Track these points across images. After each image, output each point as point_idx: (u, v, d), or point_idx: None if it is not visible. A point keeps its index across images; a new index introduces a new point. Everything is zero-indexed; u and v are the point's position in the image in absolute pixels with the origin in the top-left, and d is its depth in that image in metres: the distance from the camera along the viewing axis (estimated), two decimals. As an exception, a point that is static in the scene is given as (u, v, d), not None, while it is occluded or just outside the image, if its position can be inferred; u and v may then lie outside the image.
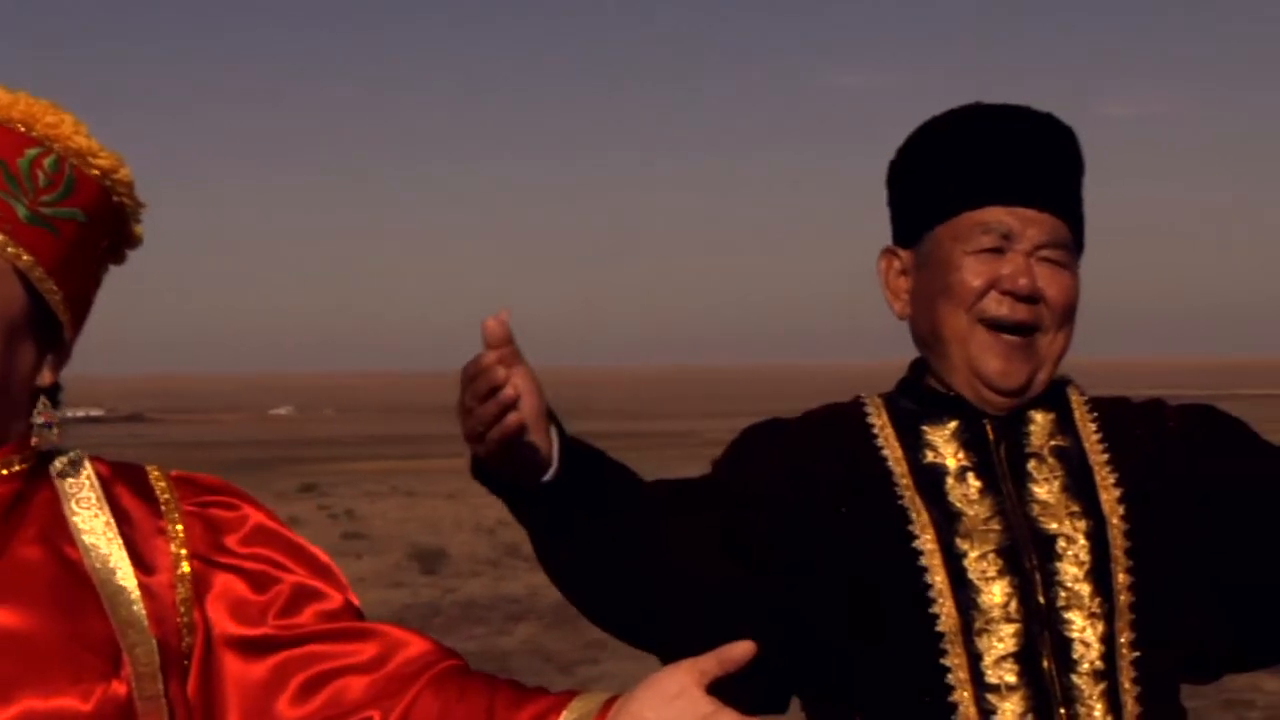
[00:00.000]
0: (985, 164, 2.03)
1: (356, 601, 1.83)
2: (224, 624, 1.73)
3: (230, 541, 1.77)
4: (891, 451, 2.05)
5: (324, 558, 1.85)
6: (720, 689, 1.75)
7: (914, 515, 1.99)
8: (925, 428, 2.06)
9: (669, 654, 2.02)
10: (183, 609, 1.72)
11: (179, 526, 1.75)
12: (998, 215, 2.01)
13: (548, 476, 1.87)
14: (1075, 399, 2.11)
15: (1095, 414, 2.10)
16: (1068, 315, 2.04)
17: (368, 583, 17.63)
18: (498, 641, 13.47)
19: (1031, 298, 2.00)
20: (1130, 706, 1.94)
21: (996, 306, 2.01)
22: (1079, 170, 2.09)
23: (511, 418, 1.78)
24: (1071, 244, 2.05)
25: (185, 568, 1.73)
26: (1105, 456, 2.04)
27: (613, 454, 2.05)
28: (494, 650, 12.98)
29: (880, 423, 2.08)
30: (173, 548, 1.74)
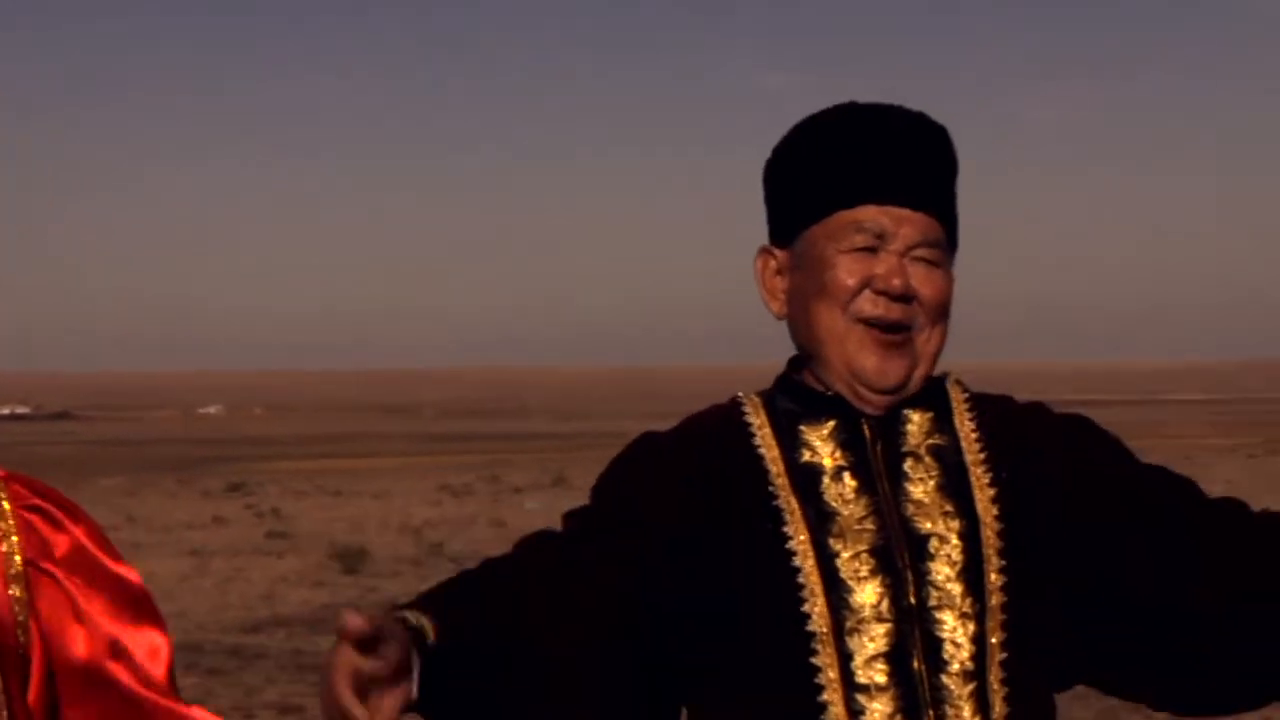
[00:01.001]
0: (858, 163, 2.03)
1: (162, 641, 1.80)
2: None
3: (56, 553, 1.74)
4: (768, 451, 2.04)
5: (137, 587, 1.81)
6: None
7: (788, 515, 1.98)
8: (803, 427, 2.05)
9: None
10: (17, 608, 1.69)
11: (11, 523, 1.73)
12: (871, 214, 2.01)
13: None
14: (956, 397, 2.11)
15: (974, 413, 2.09)
16: (941, 313, 2.04)
17: (289, 582, 17.53)
18: (418, 641, 13.41)
19: (904, 297, 2.00)
20: (999, 707, 1.94)
21: (871, 306, 2.01)
22: (952, 169, 2.10)
23: None
24: (945, 243, 2.05)
25: (18, 567, 1.71)
26: (982, 456, 2.04)
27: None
28: (414, 650, 12.93)
29: (758, 422, 2.07)
30: (4, 547, 1.71)
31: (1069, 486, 2.03)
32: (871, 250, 2.01)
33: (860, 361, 2.02)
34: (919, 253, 2.02)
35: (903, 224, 2.01)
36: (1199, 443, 52.78)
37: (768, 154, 2.16)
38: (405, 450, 57.70)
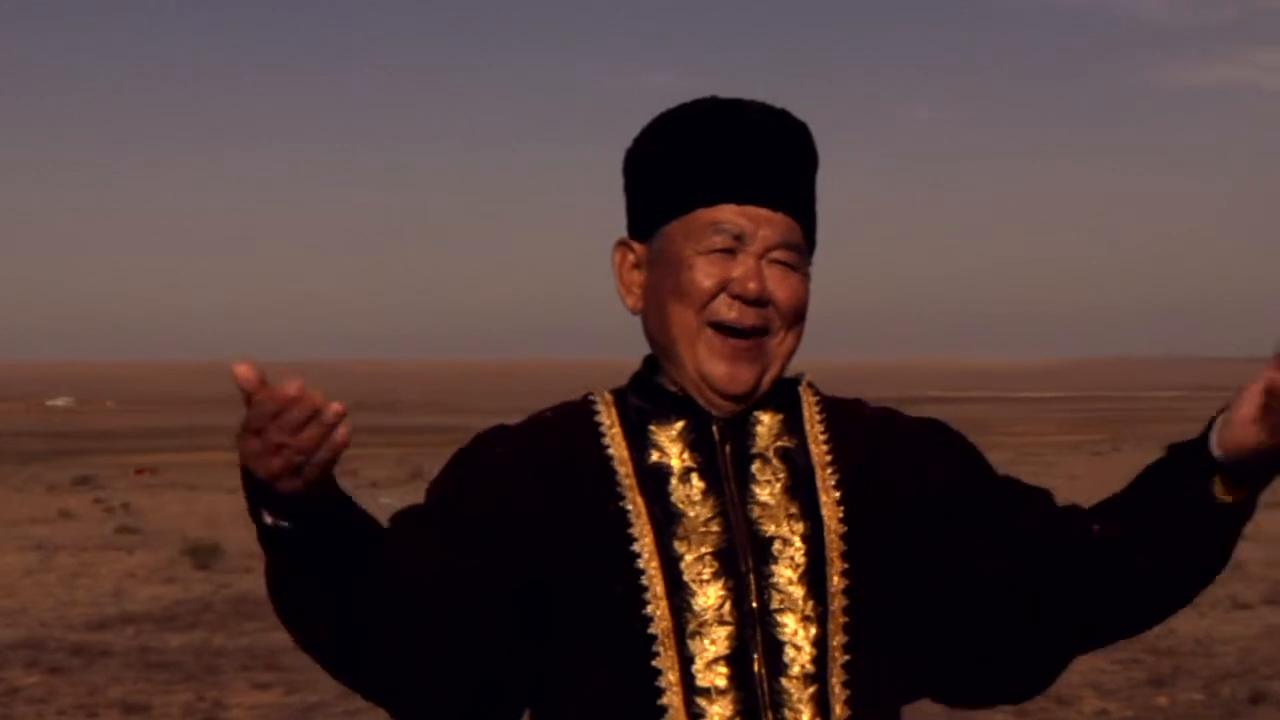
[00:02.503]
0: (719, 162, 2.01)
1: None
2: None
3: None
4: (617, 451, 2.03)
5: None
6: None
7: (633, 516, 1.97)
8: (653, 427, 2.04)
9: (401, 706, 1.99)
10: None
11: None
12: (730, 215, 2.00)
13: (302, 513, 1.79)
14: (807, 399, 2.11)
15: (824, 415, 2.09)
16: (797, 317, 2.04)
17: (139, 578, 17.20)
18: (270, 638, 13.17)
19: (760, 301, 2.00)
20: (839, 710, 1.94)
21: (726, 310, 2.00)
22: (813, 168, 2.09)
23: (341, 431, 1.71)
24: (804, 245, 2.05)
25: None
26: (829, 459, 2.05)
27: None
28: (266, 647, 12.72)
29: (608, 421, 2.06)
30: None
31: (916, 492, 2.04)
32: (729, 252, 2.00)
33: (710, 367, 2.01)
34: (777, 255, 2.01)
35: (762, 225, 2.00)
36: (1047, 439, 53.90)
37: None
38: (261, 444, 56.74)
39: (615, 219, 2.12)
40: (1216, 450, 1.93)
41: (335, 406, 1.70)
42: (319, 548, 1.83)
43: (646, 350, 2.11)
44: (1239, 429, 1.90)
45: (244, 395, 1.70)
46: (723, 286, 2.00)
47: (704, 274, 2.00)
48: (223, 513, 25.48)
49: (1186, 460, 1.98)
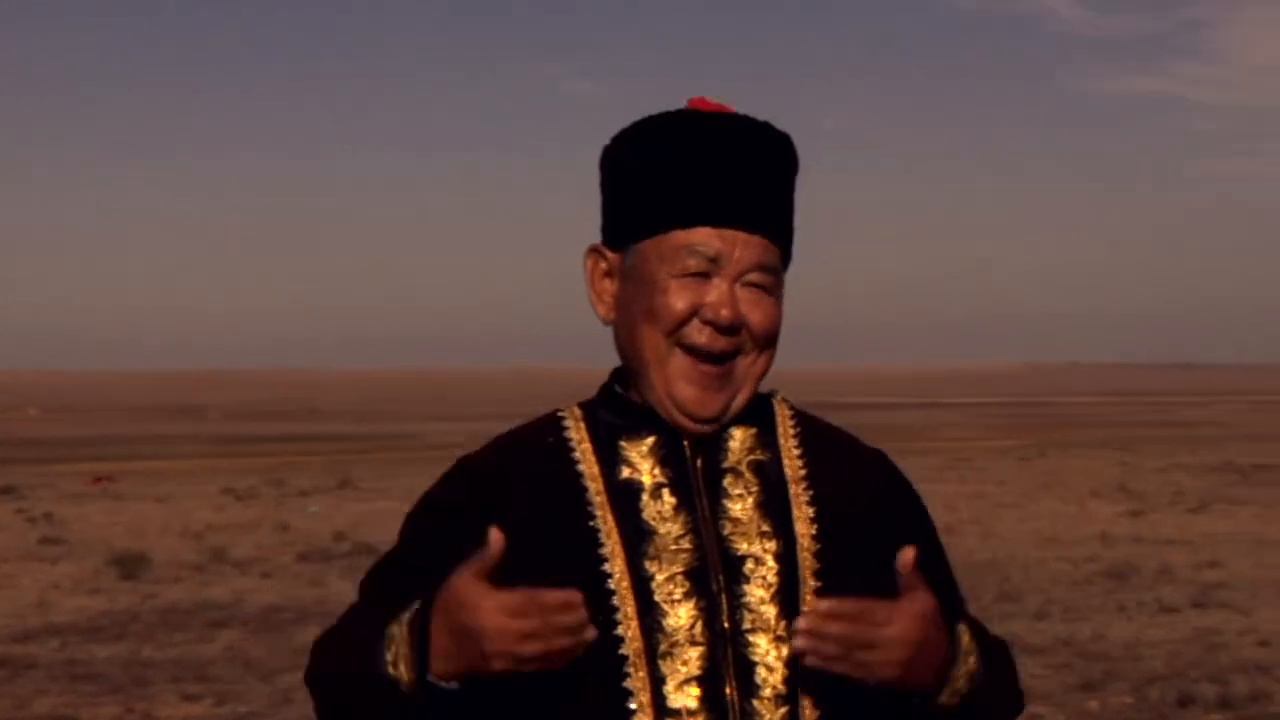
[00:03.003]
0: (697, 182, 1.97)
1: None
2: None
3: None
4: (588, 468, 2.01)
5: None
6: None
7: (604, 536, 1.96)
8: (623, 442, 2.02)
9: None
10: None
11: None
12: (706, 237, 1.96)
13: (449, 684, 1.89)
14: (782, 413, 2.09)
15: (798, 430, 2.08)
16: (770, 341, 2.01)
17: (63, 589, 16.96)
18: (199, 649, 13.07)
19: (733, 328, 1.97)
20: None
21: (698, 335, 1.97)
22: (792, 181, 2.06)
23: (591, 632, 1.83)
24: (779, 266, 2.02)
25: None
26: (803, 473, 2.03)
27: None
28: (195, 658, 12.60)
29: (578, 437, 2.04)
30: None
31: (880, 518, 2.03)
32: (704, 275, 1.97)
33: (680, 391, 1.99)
34: (752, 278, 1.98)
35: (738, 248, 1.97)
36: (974, 444, 54.31)
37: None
38: (188, 453, 56.39)
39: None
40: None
41: (581, 610, 1.81)
42: (462, 706, 1.90)
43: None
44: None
45: (485, 561, 1.83)
46: (695, 310, 1.97)
47: (677, 297, 1.97)
48: (149, 522, 25.22)
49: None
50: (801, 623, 1.84)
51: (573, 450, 2.02)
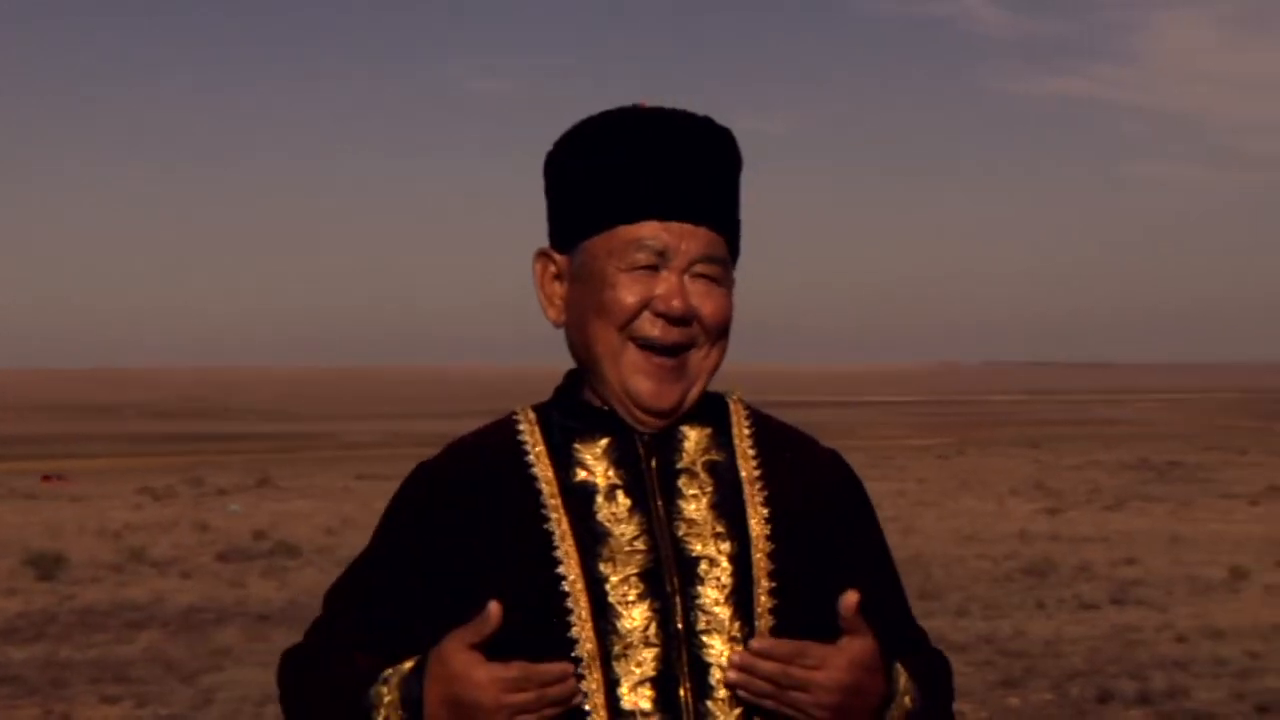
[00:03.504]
0: (640, 177, 1.98)
1: None
2: None
3: None
4: (543, 471, 2.00)
5: None
6: None
7: (558, 539, 1.96)
8: (577, 444, 2.02)
9: None
10: None
11: None
12: (653, 231, 1.97)
13: None
14: (737, 412, 2.09)
15: (754, 430, 2.08)
16: (721, 332, 2.02)
17: (-22, 590, 16.72)
18: (118, 650, 12.92)
19: (684, 319, 1.98)
20: None
21: (650, 327, 1.98)
22: (736, 175, 2.06)
23: (578, 698, 1.89)
24: (727, 258, 2.03)
25: None
26: (758, 473, 2.03)
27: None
28: (114, 659, 12.46)
29: (532, 441, 2.03)
30: None
31: (834, 520, 2.04)
32: (652, 268, 1.98)
33: (635, 384, 1.99)
34: (700, 269, 1.99)
35: (685, 240, 1.98)
36: (898, 443, 54.74)
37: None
38: (105, 452, 55.75)
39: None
40: None
41: (573, 681, 1.88)
42: None
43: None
44: None
45: (479, 630, 1.86)
46: (646, 304, 1.98)
47: (627, 291, 1.97)
48: (67, 522, 24.90)
49: None
50: (734, 658, 1.88)
51: (527, 454, 2.02)
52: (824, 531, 2.02)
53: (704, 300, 1.99)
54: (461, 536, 1.98)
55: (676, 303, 1.97)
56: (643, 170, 1.99)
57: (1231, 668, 11.54)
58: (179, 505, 28.42)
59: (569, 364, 2.09)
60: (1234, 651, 12.20)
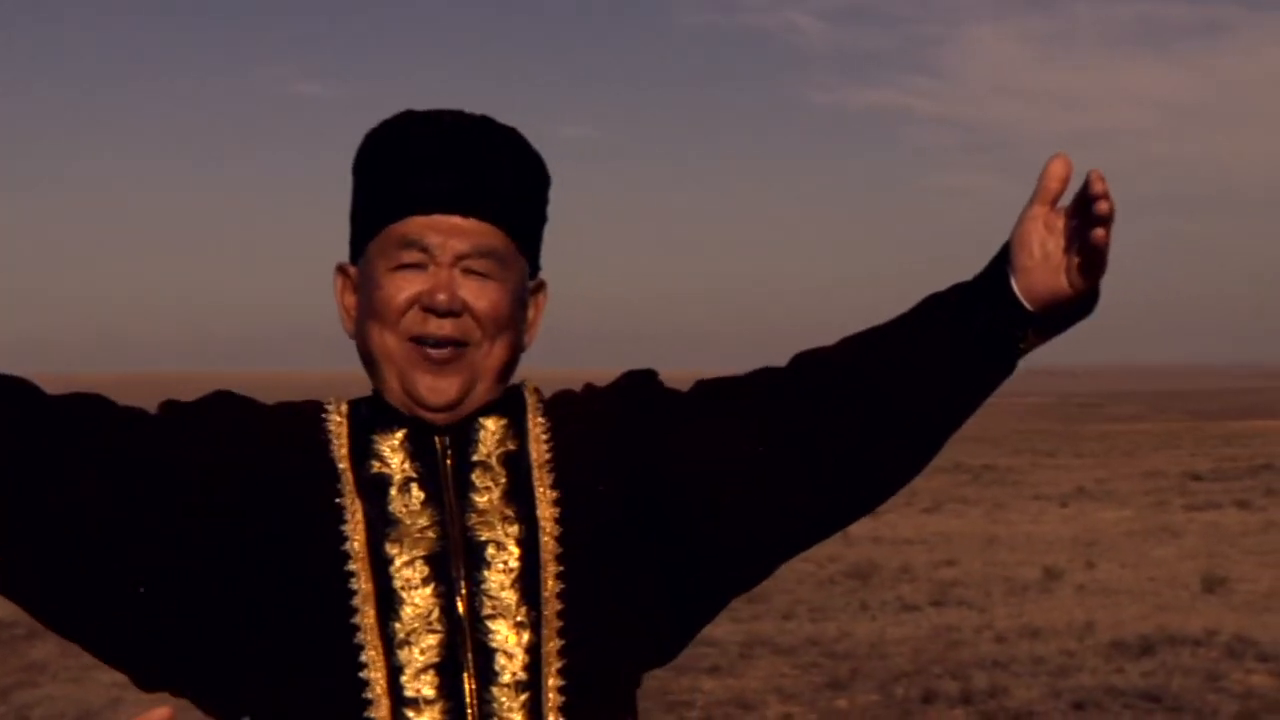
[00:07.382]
0: (402, 174, 1.97)
1: None
2: None
3: None
4: (340, 461, 1.98)
5: None
6: None
7: (348, 515, 1.93)
8: (376, 437, 2.00)
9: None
10: None
11: None
12: (417, 227, 1.95)
13: None
14: (530, 402, 2.08)
15: (546, 416, 2.06)
16: (500, 326, 1.99)
17: None
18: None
19: (452, 312, 1.96)
20: (552, 718, 1.91)
21: (421, 324, 1.96)
22: (523, 172, 2.03)
23: None
24: (505, 252, 1.99)
25: None
26: (549, 458, 2.02)
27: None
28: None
29: (337, 431, 2.01)
30: None
31: (627, 469, 2.03)
32: (421, 266, 1.96)
33: (412, 380, 1.97)
34: (470, 264, 1.97)
35: (451, 235, 1.96)
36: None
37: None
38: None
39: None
40: (1027, 303, 2.00)
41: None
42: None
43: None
44: (1050, 278, 1.97)
45: None
46: (415, 300, 1.96)
47: (395, 290, 1.96)
48: None
49: (993, 310, 2.03)
50: (1098, 171, 1.88)
51: (330, 441, 2.00)
52: (617, 487, 2.01)
53: (477, 295, 1.97)
54: (250, 475, 1.94)
55: (442, 296, 1.95)
56: (406, 167, 1.97)
57: (1048, 666, 11.81)
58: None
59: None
60: (1050, 650, 12.48)
